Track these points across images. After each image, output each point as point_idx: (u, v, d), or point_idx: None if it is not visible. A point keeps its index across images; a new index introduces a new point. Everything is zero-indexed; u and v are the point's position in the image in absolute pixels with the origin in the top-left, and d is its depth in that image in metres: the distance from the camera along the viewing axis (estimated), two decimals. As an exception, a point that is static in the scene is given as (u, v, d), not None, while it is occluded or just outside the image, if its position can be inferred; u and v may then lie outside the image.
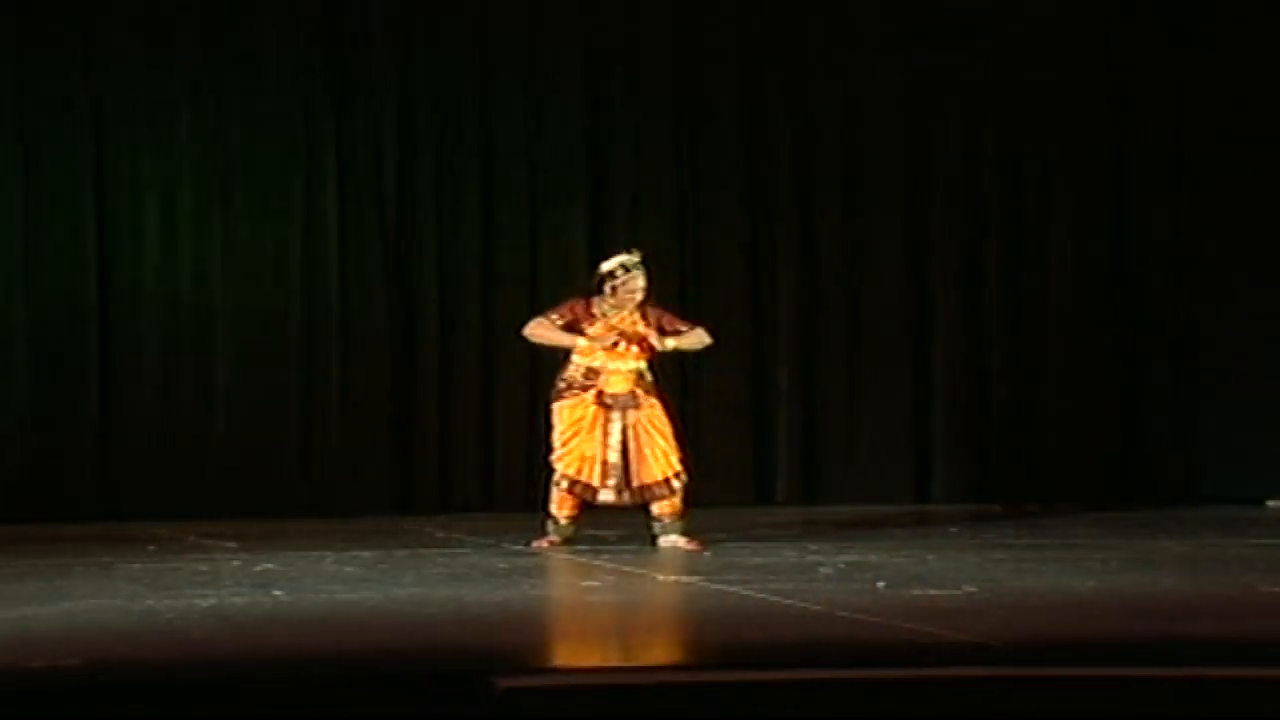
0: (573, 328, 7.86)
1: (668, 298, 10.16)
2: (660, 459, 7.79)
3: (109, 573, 7.19)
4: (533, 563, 7.58)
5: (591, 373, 7.85)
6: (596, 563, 7.51)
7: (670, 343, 7.87)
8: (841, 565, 7.40)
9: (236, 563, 7.51)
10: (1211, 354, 10.21)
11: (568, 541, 7.89)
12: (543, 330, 7.92)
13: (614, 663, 5.23)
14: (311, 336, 9.88)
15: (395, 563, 7.52)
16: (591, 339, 7.81)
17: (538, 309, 10.18)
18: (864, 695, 4.72)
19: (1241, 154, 10.09)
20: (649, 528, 7.87)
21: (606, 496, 7.84)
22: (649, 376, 7.92)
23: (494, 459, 10.02)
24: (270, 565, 7.38)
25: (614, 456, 7.79)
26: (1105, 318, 10.26)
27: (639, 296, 7.89)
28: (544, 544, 7.91)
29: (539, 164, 10.06)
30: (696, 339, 7.97)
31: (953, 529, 8.73)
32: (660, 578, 7.08)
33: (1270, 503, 9.98)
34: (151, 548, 8.10)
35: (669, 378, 9.48)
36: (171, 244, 9.74)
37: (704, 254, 10.25)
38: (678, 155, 10.17)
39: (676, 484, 7.81)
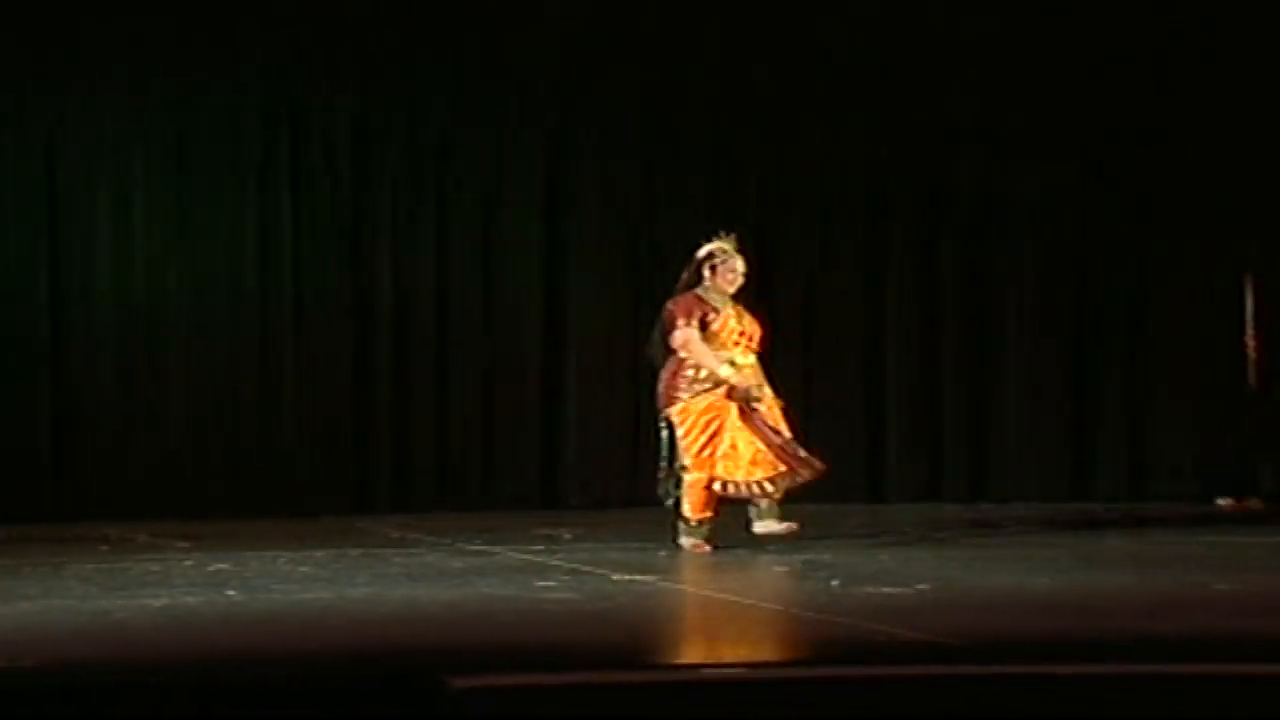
0: (703, 324, 7.56)
1: (624, 298, 10.20)
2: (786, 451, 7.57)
3: (60, 573, 7.15)
4: (487, 562, 7.57)
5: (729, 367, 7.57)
6: (552, 562, 7.51)
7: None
8: (796, 564, 7.42)
9: (189, 562, 7.48)
10: (1162, 354, 10.27)
11: (712, 541, 7.57)
12: (699, 348, 7.53)
13: (567, 662, 5.23)
14: (266, 336, 9.83)
15: (350, 562, 7.50)
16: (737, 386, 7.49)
17: (493, 309, 10.24)
18: (818, 693, 4.73)
19: (1201, 170, 10.15)
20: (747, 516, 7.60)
21: (805, 471, 7.51)
22: (760, 369, 7.72)
23: (450, 458, 10.00)
24: (223, 565, 7.35)
25: (775, 437, 7.49)
26: (1058, 318, 10.31)
27: (740, 280, 7.65)
28: (704, 548, 7.57)
29: (496, 164, 10.03)
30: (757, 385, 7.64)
31: (907, 528, 8.76)
32: (616, 577, 7.08)
33: (1219, 501, 10.06)
34: (104, 547, 8.06)
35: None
36: (126, 243, 9.67)
37: (662, 254, 10.24)
38: (637, 157, 10.16)
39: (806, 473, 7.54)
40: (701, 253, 7.71)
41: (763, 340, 7.75)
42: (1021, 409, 10.27)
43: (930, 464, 10.26)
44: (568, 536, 8.47)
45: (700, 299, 7.66)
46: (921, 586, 6.67)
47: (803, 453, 7.59)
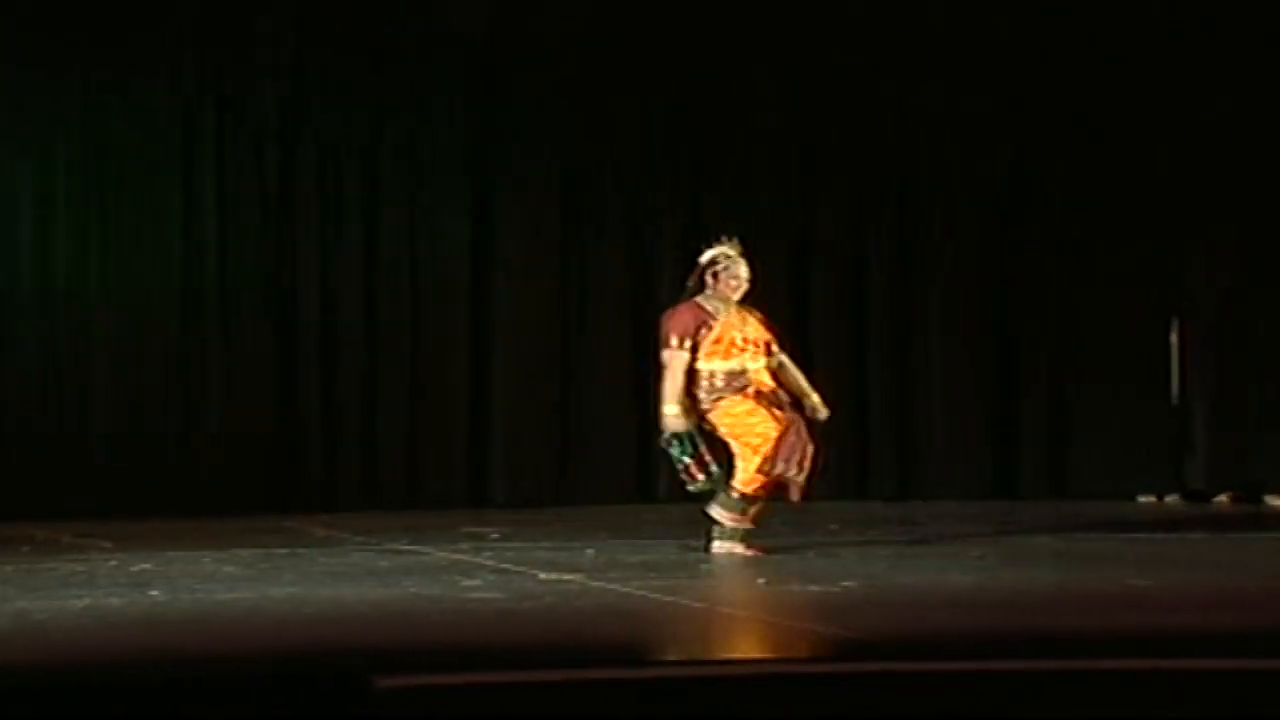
0: (694, 343, 7.37)
1: (551, 301, 10.19)
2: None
3: (-19, 574, 7.07)
4: (413, 561, 7.55)
5: (733, 375, 7.42)
6: (479, 561, 7.49)
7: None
8: (723, 562, 7.43)
9: (113, 563, 7.41)
10: (1085, 352, 10.37)
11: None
12: (668, 381, 7.36)
13: (493, 662, 5.22)
14: (191, 334, 9.76)
15: (275, 562, 7.46)
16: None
17: (419, 307, 10.20)
18: (743, 691, 4.75)
19: (1129, 167, 10.24)
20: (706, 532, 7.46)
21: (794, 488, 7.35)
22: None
23: (377, 457, 9.95)
24: (147, 565, 7.29)
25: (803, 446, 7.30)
26: (982, 316, 10.38)
27: (744, 286, 7.48)
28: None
29: (422, 165, 10.00)
30: (805, 384, 7.53)
31: (833, 525, 8.80)
32: (543, 576, 7.08)
33: (1141, 498, 10.17)
34: (26, 548, 7.97)
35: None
36: (48, 243, 9.58)
37: (587, 255, 10.25)
38: (562, 158, 10.15)
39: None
40: (704, 259, 7.54)
41: (775, 344, 7.54)
42: (947, 408, 10.34)
43: (857, 462, 10.31)
44: (495, 536, 8.45)
45: (699, 308, 7.49)
46: (847, 584, 6.71)
47: (801, 476, 7.32)
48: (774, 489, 7.44)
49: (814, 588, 6.66)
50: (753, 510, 7.45)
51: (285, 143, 9.85)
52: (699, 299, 7.56)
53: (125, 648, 5.40)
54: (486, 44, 10.06)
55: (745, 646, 5.72)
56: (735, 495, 7.41)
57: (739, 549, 7.40)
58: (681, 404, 7.44)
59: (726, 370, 7.44)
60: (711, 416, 7.46)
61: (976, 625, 5.86)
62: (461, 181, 10.06)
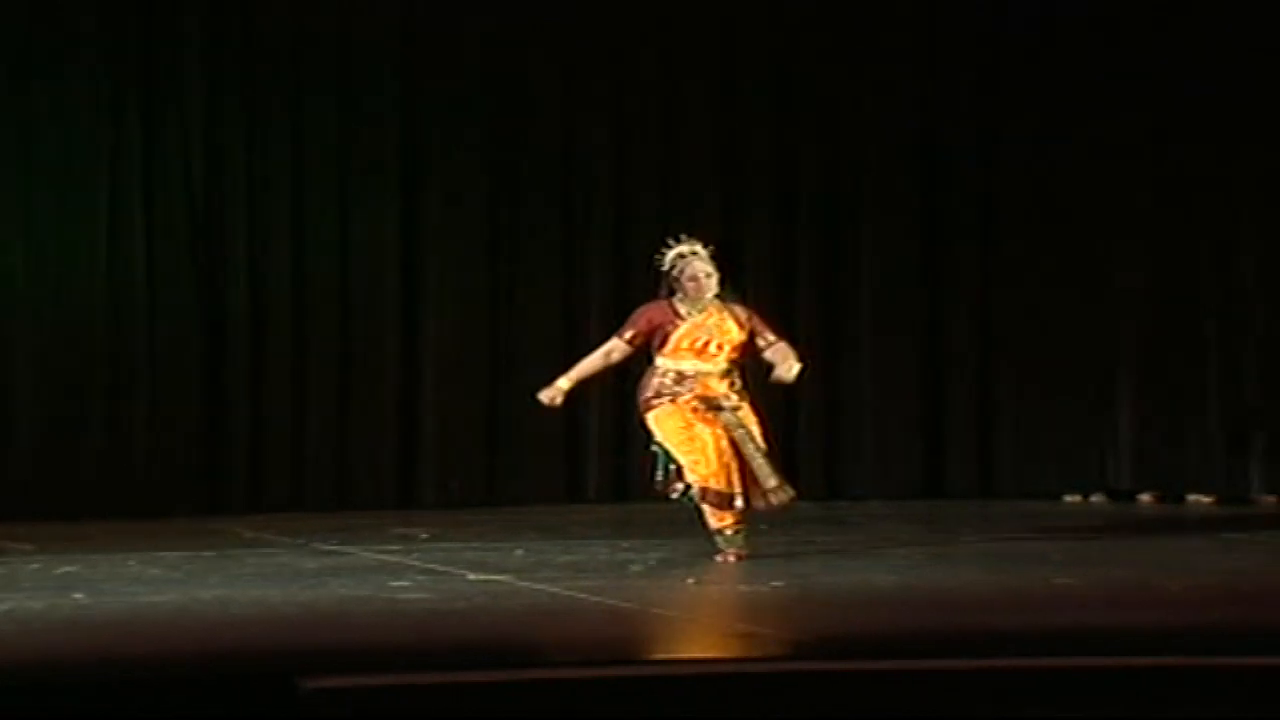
0: (655, 336, 7.31)
1: (480, 298, 10.17)
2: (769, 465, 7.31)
3: (-99, 577, 6.98)
4: (341, 562, 7.51)
5: (681, 377, 7.34)
6: (408, 562, 7.47)
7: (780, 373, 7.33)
8: (652, 562, 7.45)
9: (35, 565, 7.34)
10: (1011, 352, 10.46)
11: (743, 550, 7.28)
12: (592, 355, 7.37)
13: (422, 663, 5.21)
14: (118, 335, 9.68)
15: (201, 564, 7.41)
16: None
17: (348, 307, 10.16)
18: (673, 691, 4.76)
19: (1047, 162, 10.34)
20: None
21: (775, 497, 7.24)
22: (738, 381, 7.44)
23: (304, 458, 9.91)
24: (70, 568, 7.22)
25: (750, 448, 7.22)
26: (910, 316, 10.46)
27: (703, 282, 7.36)
28: (731, 558, 7.27)
29: (350, 167, 9.96)
30: (787, 369, 7.40)
31: (762, 526, 8.83)
32: (472, 576, 7.07)
33: (1067, 497, 10.27)
34: (-54, 551, 7.88)
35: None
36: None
37: (518, 253, 10.24)
38: (493, 153, 10.14)
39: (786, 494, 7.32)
40: (665, 265, 7.47)
41: (767, 334, 7.46)
42: (875, 409, 10.40)
43: (785, 462, 10.34)
44: (424, 536, 8.43)
45: (668, 308, 7.40)
46: (776, 584, 6.74)
47: (772, 481, 7.30)
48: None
49: (743, 588, 6.68)
50: (718, 527, 7.34)
51: (212, 145, 9.78)
52: (674, 300, 7.46)
53: (47, 651, 5.34)
54: (410, 44, 10.03)
55: (675, 647, 5.73)
56: (697, 492, 7.35)
57: (731, 555, 7.30)
58: (572, 383, 7.42)
59: (678, 370, 7.39)
60: (647, 417, 7.43)
61: (903, 625, 5.89)
62: (391, 184, 10.02)
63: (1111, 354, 10.35)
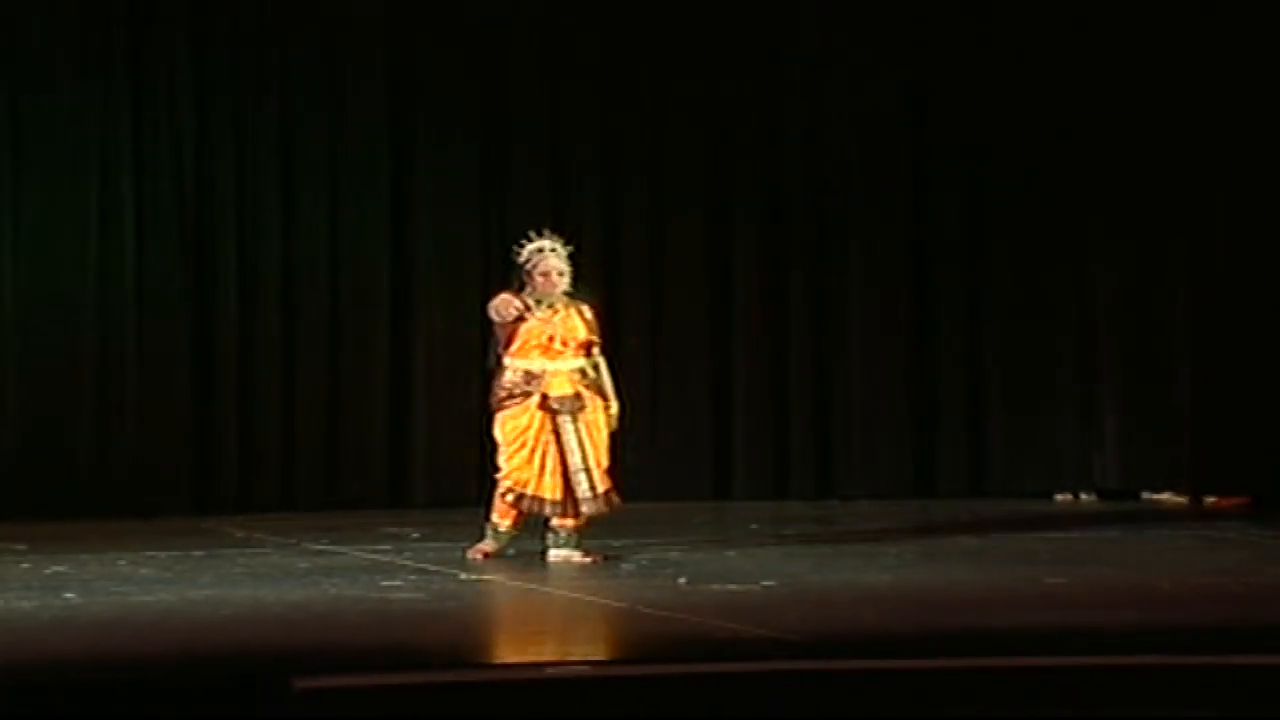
0: (512, 337, 7.34)
1: (471, 297, 10.14)
2: (597, 471, 7.30)
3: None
4: (333, 562, 7.51)
5: (530, 376, 7.36)
6: (398, 561, 7.47)
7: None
8: (643, 562, 7.45)
9: (26, 565, 7.33)
10: (1000, 352, 10.47)
11: (500, 551, 7.38)
12: (496, 300, 7.37)
13: (413, 663, 5.21)
14: (108, 334, 9.65)
15: (193, 563, 7.41)
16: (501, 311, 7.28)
17: (339, 306, 10.15)
18: (664, 690, 4.77)
19: (1037, 165, 10.35)
20: (544, 538, 7.41)
21: (588, 507, 7.27)
22: (591, 376, 7.43)
23: (295, 458, 9.89)
24: (61, 568, 7.21)
25: (576, 459, 7.26)
26: (900, 319, 10.46)
27: (553, 279, 7.36)
28: (479, 555, 7.38)
29: (340, 168, 9.94)
30: (610, 391, 7.43)
31: (753, 525, 8.84)
32: (463, 576, 7.07)
33: (1057, 497, 10.28)
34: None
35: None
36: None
37: (509, 252, 10.21)
38: (482, 150, 10.12)
39: (615, 500, 7.32)
40: (521, 258, 7.47)
41: (586, 345, 7.45)
42: (865, 409, 10.40)
43: (776, 462, 10.36)
44: (415, 536, 8.43)
45: (516, 298, 7.40)
46: (767, 583, 6.75)
47: (601, 487, 7.29)
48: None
49: (734, 587, 6.69)
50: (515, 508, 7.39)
51: (202, 145, 9.76)
52: (523, 294, 7.44)
53: (38, 651, 5.34)
54: (402, 42, 10.01)
55: (666, 646, 5.74)
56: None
57: (576, 556, 7.34)
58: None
59: (525, 369, 7.39)
60: (496, 416, 7.44)
61: (894, 624, 5.91)
62: (381, 184, 10.00)
63: (1100, 354, 10.36)
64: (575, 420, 7.33)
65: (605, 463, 7.37)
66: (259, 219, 9.85)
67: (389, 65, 9.97)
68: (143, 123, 9.65)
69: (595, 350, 7.50)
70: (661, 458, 10.16)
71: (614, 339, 10.06)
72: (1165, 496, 10.12)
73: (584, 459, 7.30)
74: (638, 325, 10.21)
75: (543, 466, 7.31)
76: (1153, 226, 10.26)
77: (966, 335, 10.49)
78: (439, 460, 10.05)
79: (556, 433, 7.32)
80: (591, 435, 7.34)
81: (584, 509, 7.33)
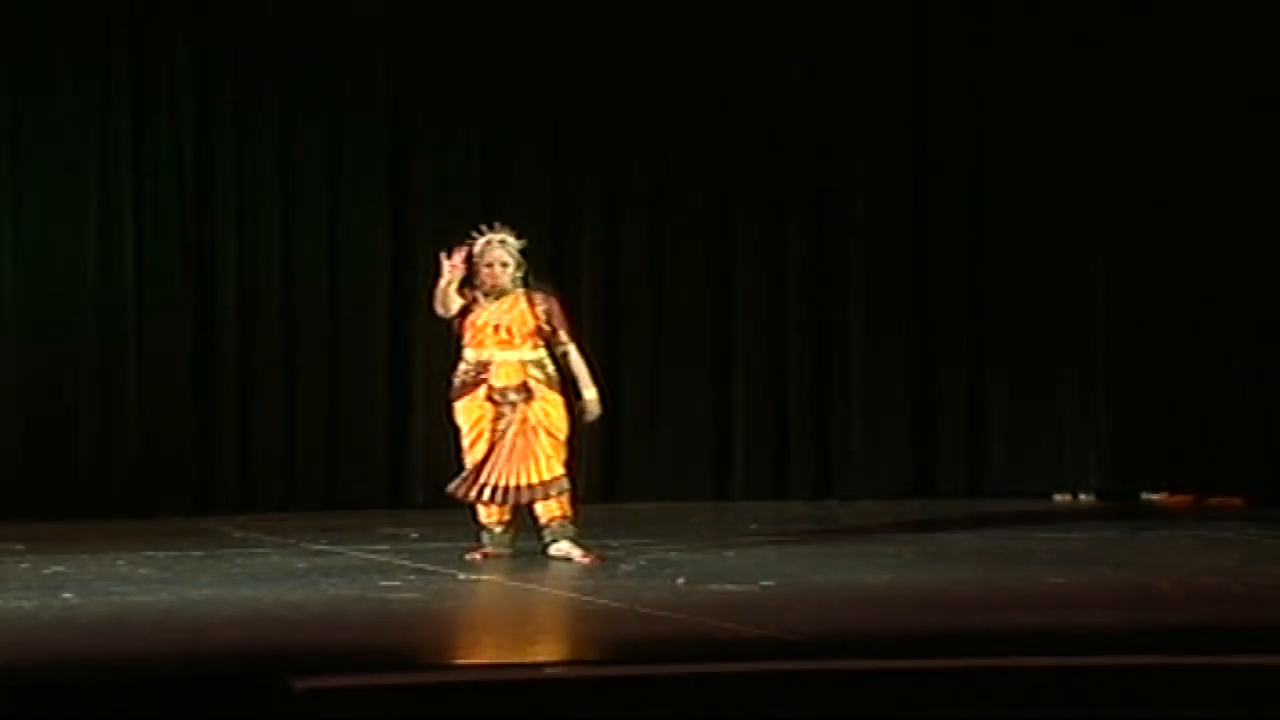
0: (462, 328, 7.41)
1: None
2: (540, 460, 7.30)
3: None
4: (332, 562, 7.51)
5: (482, 366, 7.39)
6: (397, 562, 7.47)
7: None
8: (642, 562, 7.45)
9: (25, 565, 7.33)
10: (1001, 351, 10.47)
11: (500, 551, 7.37)
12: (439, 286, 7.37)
13: (412, 663, 5.21)
14: (107, 333, 9.65)
15: (192, 564, 7.41)
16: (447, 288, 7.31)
17: (338, 305, 10.15)
18: (664, 691, 4.77)
19: (1038, 164, 10.34)
20: (539, 536, 7.43)
21: (484, 495, 7.32)
22: (549, 368, 7.43)
23: (295, 457, 9.89)
24: (60, 568, 7.21)
25: (498, 453, 7.27)
26: (900, 315, 10.46)
27: (495, 271, 7.37)
28: (478, 557, 7.37)
29: (341, 167, 9.93)
30: (588, 413, 7.48)
31: (752, 525, 8.84)
32: (461, 576, 7.07)
33: (1056, 497, 10.28)
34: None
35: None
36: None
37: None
38: (483, 151, 10.12)
39: (554, 490, 7.31)
40: (475, 249, 7.47)
41: (564, 333, 7.44)
42: (865, 408, 10.41)
43: (776, 462, 10.36)
44: (414, 536, 8.43)
45: (458, 291, 7.41)
46: (766, 584, 6.75)
47: (510, 481, 7.30)
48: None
49: (734, 587, 6.69)
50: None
51: (202, 145, 9.75)
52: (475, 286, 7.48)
53: (37, 651, 5.34)
54: (403, 42, 10.01)
55: (665, 646, 5.74)
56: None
57: (576, 552, 7.36)
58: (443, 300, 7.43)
59: (476, 360, 7.42)
60: (454, 405, 7.49)
61: (894, 624, 5.91)
62: (381, 184, 10.01)
63: (1100, 354, 10.36)
64: (514, 410, 7.34)
65: (555, 454, 7.34)
66: (259, 219, 9.85)
67: (389, 65, 9.97)
68: (143, 123, 9.65)
69: (563, 338, 7.47)
70: (661, 458, 10.17)
71: (614, 338, 10.18)
72: (1165, 496, 10.12)
73: (527, 450, 7.28)
74: (638, 325, 10.22)
75: (484, 455, 7.35)
76: (1153, 226, 10.27)
77: (966, 335, 10.49)
78: (438, 461, 10.05)
79: (502, 423, 7.36)
80: (538, 427, 7.32)
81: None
